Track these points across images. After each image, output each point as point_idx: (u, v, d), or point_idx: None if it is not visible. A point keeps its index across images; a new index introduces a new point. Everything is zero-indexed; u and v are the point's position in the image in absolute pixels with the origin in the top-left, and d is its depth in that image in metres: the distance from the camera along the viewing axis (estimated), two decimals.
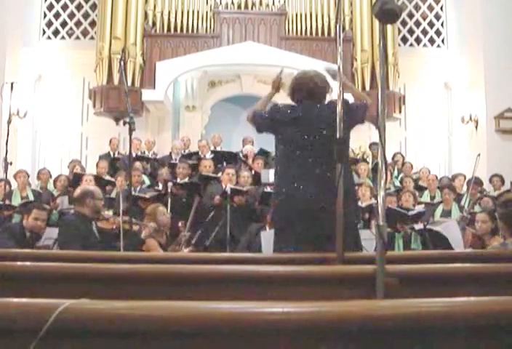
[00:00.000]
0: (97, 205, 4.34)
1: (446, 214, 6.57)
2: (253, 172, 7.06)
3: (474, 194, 7.17)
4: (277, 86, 3.36)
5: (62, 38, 10.77)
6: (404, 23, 11.08)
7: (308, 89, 3.12)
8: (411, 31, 11.22)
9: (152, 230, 4.59)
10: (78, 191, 4.46)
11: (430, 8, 11.29)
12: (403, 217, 5.77)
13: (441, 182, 7.76)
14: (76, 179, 6.88)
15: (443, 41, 11.20)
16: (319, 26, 10.34)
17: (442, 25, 11.23)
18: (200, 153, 8.23)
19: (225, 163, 7.69)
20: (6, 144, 5.79)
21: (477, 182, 7.43)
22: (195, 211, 5.55)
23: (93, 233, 4.33)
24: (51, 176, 7.70)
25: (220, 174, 6.74)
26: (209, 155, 7.89)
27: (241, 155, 8.04)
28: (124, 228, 4.53)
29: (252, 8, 10.49)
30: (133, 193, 5.71)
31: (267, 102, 3.34)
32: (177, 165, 7.15)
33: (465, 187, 7.59)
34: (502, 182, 8.01)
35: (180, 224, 5.49)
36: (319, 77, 3.18)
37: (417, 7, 11.27)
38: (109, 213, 5.42)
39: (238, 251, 5.24)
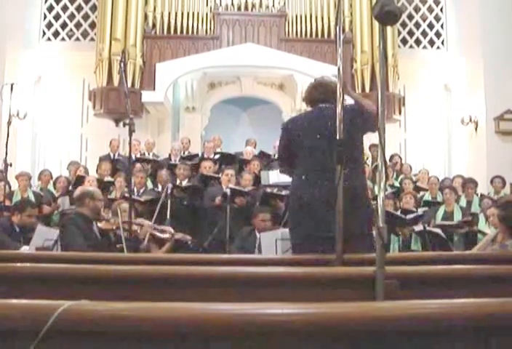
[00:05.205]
0: (96, 206, 4.37)
1: (449, 216, 6.46)
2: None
3: (470, 194, 7.19)
4: None
5: (62, 39, 10.77)
6: (403, 25, 11.08)
7: (325, 86, 3.31)
8: (411, 33, 11.23)
9: (151, 229, 4.62)
10: (77, 192, 4.52)
11: (430, 10, 11.30)
12: (401, 221, 5.75)
13: (442, 184, 7.74)
14: (78, 181, 6.85)
15: (442, 42, 11.20)
16: (319, 28, 10.36)
17: (442, 26, 11.23)
18: (205, 154, 8.19)
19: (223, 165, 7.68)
20: (6, 145, 5.80)
21: (472, 181, 7.46)
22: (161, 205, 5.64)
23: (94, 233, 4.36)
24: (52, 177, 7.71)
25: (220, 175, 6.73)
26: (212, 157, 7.89)
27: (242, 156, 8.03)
28: (123, 228, 4.57)
29: (251, 9, 10.50)
30: (127, 195, 5.75)
31: None
32: (176, 166, 7.13)
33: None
34: (504, 183, 7.98)
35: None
36: (334, 82, 3.33)
37: (416, 9, 11.28)
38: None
39: (232, 252, 5.24)
